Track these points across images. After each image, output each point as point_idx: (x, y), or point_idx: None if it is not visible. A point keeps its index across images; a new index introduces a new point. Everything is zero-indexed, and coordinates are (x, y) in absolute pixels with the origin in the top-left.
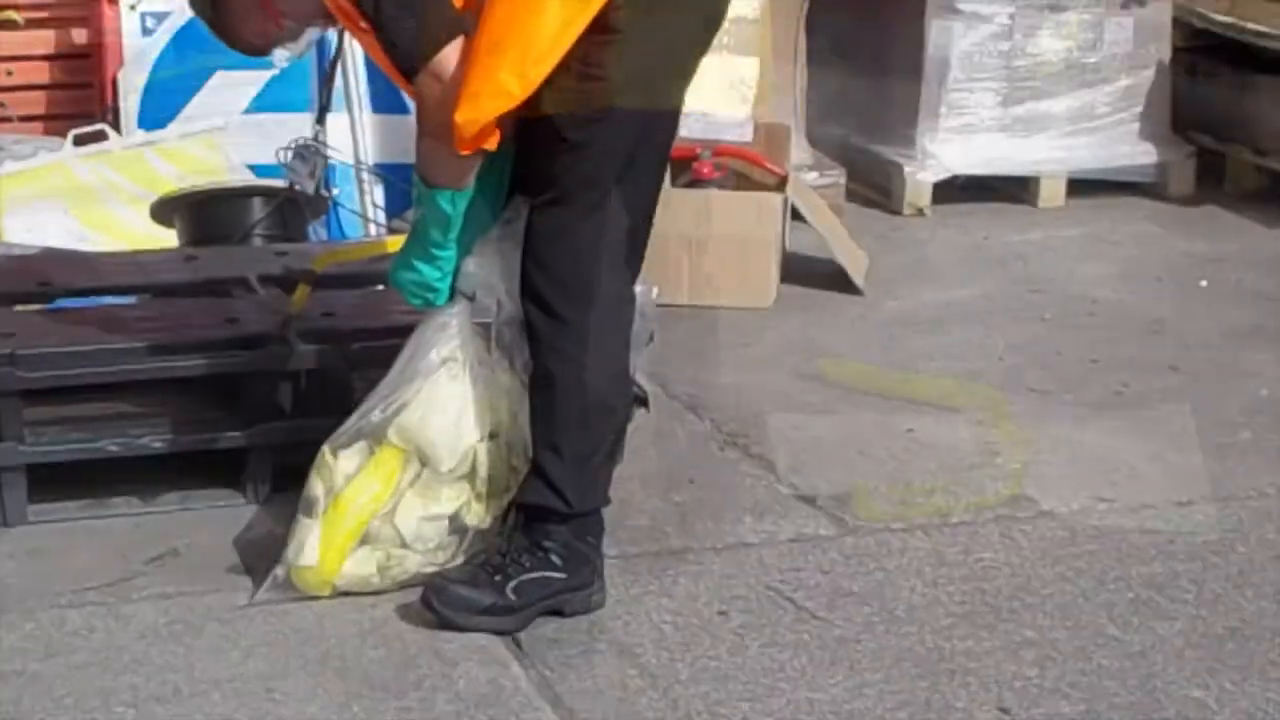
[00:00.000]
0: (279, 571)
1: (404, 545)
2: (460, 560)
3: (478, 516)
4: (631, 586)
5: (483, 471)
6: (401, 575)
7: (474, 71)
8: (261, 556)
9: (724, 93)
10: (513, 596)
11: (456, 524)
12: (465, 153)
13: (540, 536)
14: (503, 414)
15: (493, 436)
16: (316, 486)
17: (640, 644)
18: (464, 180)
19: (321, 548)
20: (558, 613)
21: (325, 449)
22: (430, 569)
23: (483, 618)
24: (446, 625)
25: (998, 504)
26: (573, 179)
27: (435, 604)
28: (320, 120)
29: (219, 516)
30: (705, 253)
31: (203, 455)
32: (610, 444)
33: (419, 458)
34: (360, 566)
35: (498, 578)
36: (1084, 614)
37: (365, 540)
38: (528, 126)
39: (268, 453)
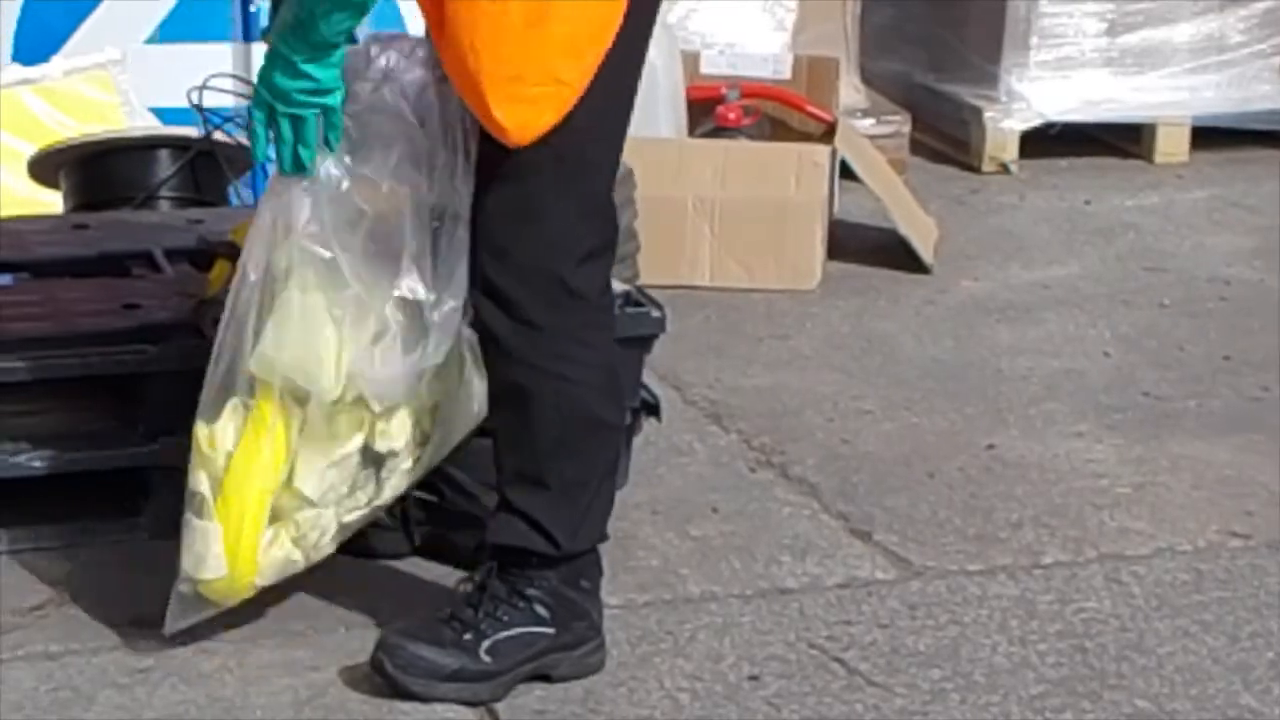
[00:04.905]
0: (183, 589)
1: (313, 505)
2: (385, 497)
3: (389, 439)
4: (638, 644)
5: (380, 384)
6: (325, 542)
7: (510, 49)
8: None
9: (756, 17)
10: (487, 659)
11: (369, 455)
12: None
13: (521, 584)
14: (384, 310)
15: (377, 340)
16: (199, 479)
17: (650, 717)
18: None
19: (228, 551)
20: (544, 678)
21: (198, 430)
22: (354, 516)
23: (449, 685)
24: (403, 694)
25: (1102, 539)
26: (547, 147)
27: (389, 668)
28: None
29: (115, 554)
30: (731, 221)
31: (94, 477)
32: (607, 466)
33: (295, 397)
34: (275, 551)
35: (468, 636)
36: (1213, 680)
37: (272, 519)
38: None
39: (176, 473)
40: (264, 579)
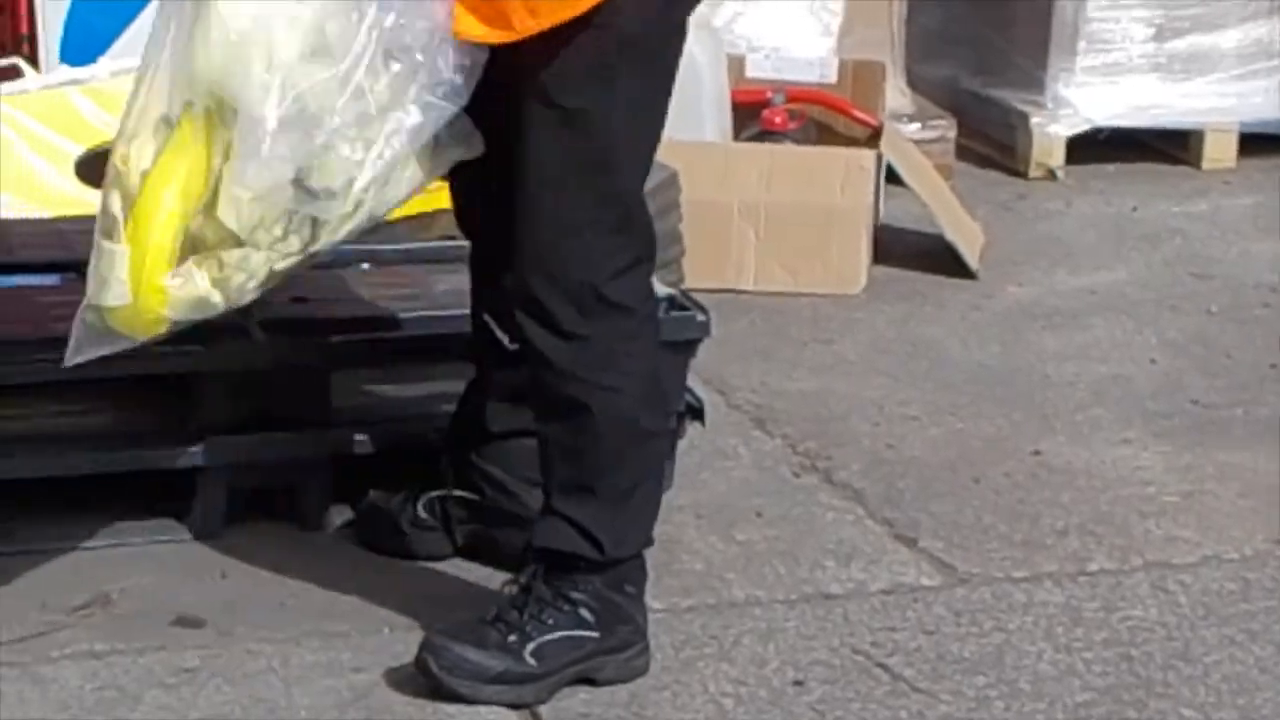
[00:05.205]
0: (88, 317)
1: (239, 242)
2: (321, 243)
3: (328, 173)
4: (682, 648)
5: (314, 104)
6: (250, 283)
7: None
8: (215, 605)
9: (802, 20)
10: (532, 661)
11: (303, 189)
12: None
13: (567, 587)
14: (333, 24)
15: (316, 55)
16: (112, 198)
17: None
18: None
19: (132, 277)
20: (589, 681)
21: (115, 147)
22: (286, 263)
23: (494, 687)
24: (448, 695)
25: (1149, 547)
26: (578, 162)
27: (434, 668)
28: None
29: (161, 554)
30: (776, 225)
31: (141, 477)
32: (653, 473)
33: (223, 117)
34: (190, 287)
35: (513, 638)
36: (1260, 690)
37: (191, 250)
38: (501, 89)
39: (223, 474)
40: (175, 313)
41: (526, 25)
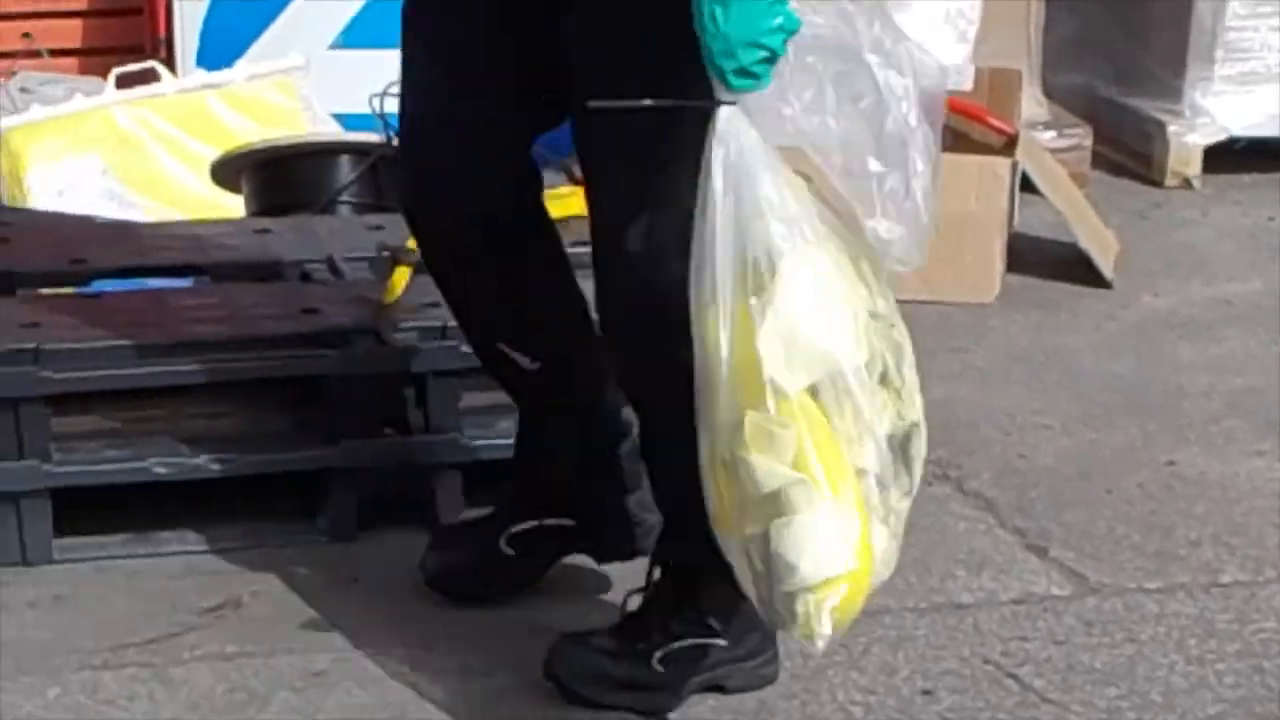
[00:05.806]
0: (782, 608)
1: (880, 484)
2: (916, 483)
3: (909, 423)
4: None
5: (893, 360)
6: (901, 528)
7: None
8: (346, 608)
9: (938, 27)
10: (660, 669)
11: (893, 441)
12: None
13: (693, 595)
14: (869, 276)
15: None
16: (769, 469)
17: None
18: None
19: (846, 535)
20: (718, 689)
21: (749, 418)
22: (907, 502)
23: (621, 694)
24: (574, 701)
25: None
26: (672, 169)
27: (561, 674)
28: None
29: (293, 557)
30: None
31: (273, 480)
32: None
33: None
34: (881, 539)
35: (640, 645)
36: None
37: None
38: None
39: (355, 478)
40: (878, 575)
41: None
